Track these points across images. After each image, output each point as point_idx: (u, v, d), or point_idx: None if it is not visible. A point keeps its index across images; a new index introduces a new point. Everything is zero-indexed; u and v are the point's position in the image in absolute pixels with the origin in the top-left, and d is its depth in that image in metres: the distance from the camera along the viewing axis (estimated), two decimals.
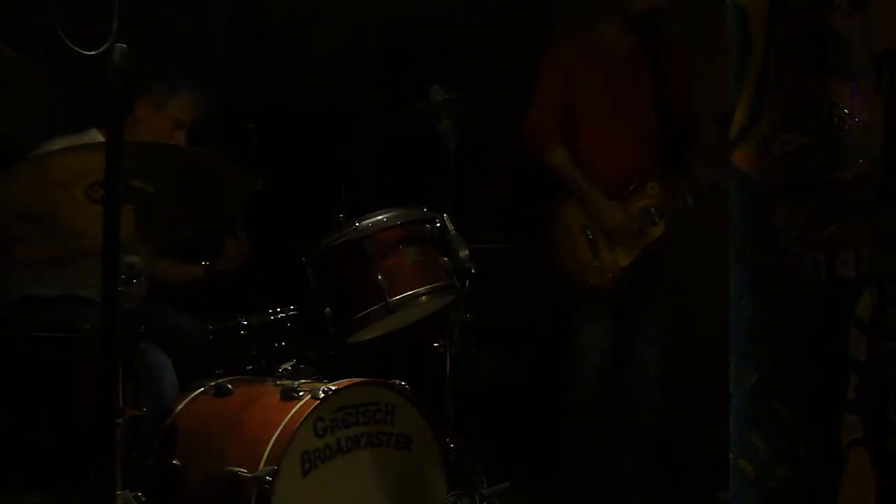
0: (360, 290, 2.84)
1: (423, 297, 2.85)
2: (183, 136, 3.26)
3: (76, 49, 1.77)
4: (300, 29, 5.16)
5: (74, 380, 2.40)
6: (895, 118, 2.41)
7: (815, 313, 1.80)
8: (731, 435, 1.88)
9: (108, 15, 1.74)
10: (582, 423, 3.69)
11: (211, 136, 3.39)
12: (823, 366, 1.80)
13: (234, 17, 4.95)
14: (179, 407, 2.88)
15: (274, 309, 3.09)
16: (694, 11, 3.84)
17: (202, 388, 2.91)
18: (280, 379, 2.89)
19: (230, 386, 2.89)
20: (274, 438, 2.59)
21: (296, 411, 2.63)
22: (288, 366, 2.96)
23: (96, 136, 3.08)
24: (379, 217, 2.88)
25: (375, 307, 2.81)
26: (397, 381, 2.84)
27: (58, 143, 2.90)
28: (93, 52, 1.77)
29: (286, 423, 2.61)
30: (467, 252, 2.87)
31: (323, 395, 2.66)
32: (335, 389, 2.69)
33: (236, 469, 2.57)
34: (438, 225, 2.92)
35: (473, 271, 2.87)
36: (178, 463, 2.75)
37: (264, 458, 2.56)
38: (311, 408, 2.62)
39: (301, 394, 2.70)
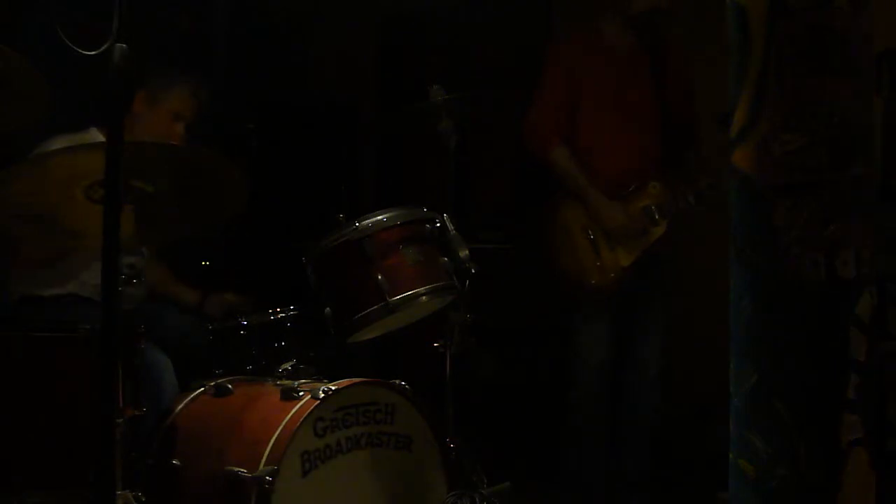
0: (360, 290, 2.83)
1: (423, 297, 2.85)
2: (182, 128, 3.25)
3: (76, 49, 1.77)
4: (300, 29, 5.16)
5: (74, 380, 2.40)
6: (895, 118, 2.41)
7: (815, 313, 1.80)
8: (731, 435, 1.88)
9: (108, 15, 1.75)
10: (582, 423, 3.69)
11: (211, 136, 3.39)
12: (823, 366, 1.80)
13: (234, 17, 4.95)
14: (179, 407, 2.88)
15: (274, 309, 3.09)
16: (694, 11, 3.84)
17: (202, 388, 2.91)
18: (280, 379, 2.89)
19: (230, 386, 2.89)
20: (274, 438, 2.59)
21: (296, 411, 2.63)
22: (288, 366, 2.96)
23: (96, 135, 3.08)
24: (379, 217, 2.87)
25: (375, 307, 2.81)
26: (397, 381, 2.84)
27: (58, 143, 2.90)
28: (93, 52, 1.77)
29: (286, 423, 2.61)
30: (467, 252, 2.86)
31: (323, 395, 2.66)
32: (335, 389, 2.69)
33: (236, 469, 2.57)
34: (438, 225, 2.92)
35: (473, 271, 2.87)
36: (178, 463, 2.75)
37: (264, 458, 2.56)
38: (311, 408, 2.62)
39: (301, 394, 2.70)
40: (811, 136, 1.80)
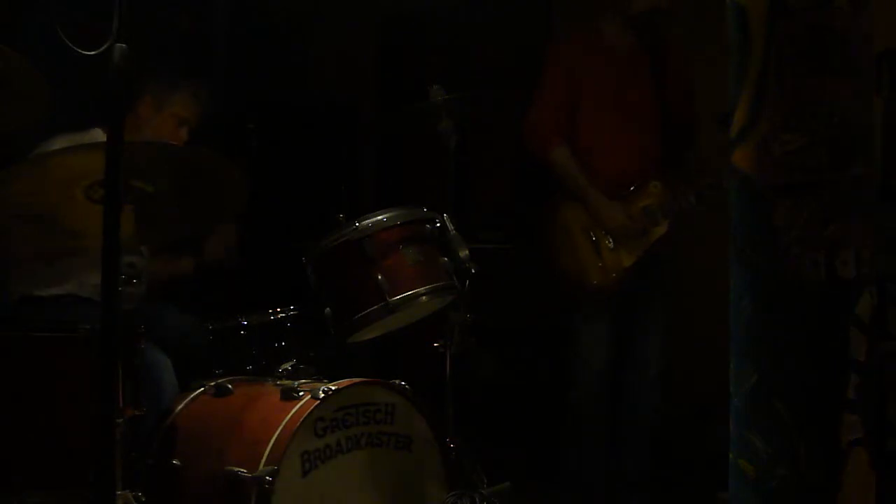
0: (360, 290, 2.83)
1: (423, 297, 2.85)
2: (186, 133, 3.27)
3: (76, 49, 1.77)
4: (300, 29, 5.16)
5: (74, 380, 2.40)
6: (895, 118, 2.40)
7: (815, 313, 1.80)
8: (731, 435, 1.88)
9: (108, 15, 1.75)
10: (582, 423, 3.69)
11: (211, 136, 3.39)
12: (823, 366, 1.79)
13: (234, 17, 4.95)
14: (179, 407, 2.88)
15: (274, 309, 3.09)
16: (694, 11, 3.84)
17: (202, 388, 2.91)
18: (280, 379, 2.89)
19: (230, 386, 2.89)
20: (274, 438, 2.59)
21: (296, 411, 2.63)
22: (288, 366, 2.96)
23: (99, 135, 3.08)
24: (379, 217, 2.87)
25: (375, 307, 2.81)
26: (397, 381, 2.84)
27: (60, 142, 2.90)
28: (93, 52, 1.77)
29: (286, 423, 2.61)
30: (467, 252, 2.86)
31: (323, 395, 2.66)
32: (335, 389, 2.69)
33: (236, 469, 2.57)
34: (438, 225, 2.92)
35: (473, 271, 2.87)
36: (178, 463, 2.75)
37: (264, 458, 2.56)
38: (311, 408, 2.62)
39: (301, 394, 2.70)
40: (811, 136, 1.79)
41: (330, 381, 2.79)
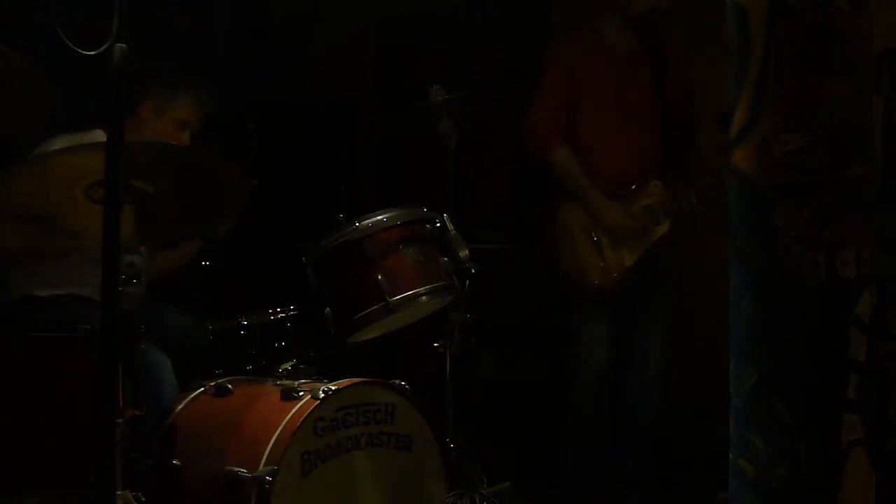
0: (360, 290, 2.84)
1: (423, 297, 2.85)
2: (188, 136, 3.28)
3: (76, 49, 1.77)
4: (300, 29, 5.16)
5: (74, 380, 2.40)
6: (895, 118, 2.40)
7: (815, 313, 1.80)
8: (731, 435, 1.88)
9: (108, 15, 1.75)
10: (582, 423, 3.69)
11: (211, 136, 3.40)
12: (823, 366, 1.79)
13: (234, 17, 4.95)
14: (179, 407, 2.88)
15: (274, 309, 3.09)
16: (694, 11, 3.84)
17: (202, 388, 2.91)
18: (280, 379, 2.89)
19: (230, 386, 2.89)
20: (274, 438, 2.59)
21: (296, 411, 2.63)
22: (288, 366, 2.96)
23: (100, 136, 3.08)
24: (379, 217, 2.88)
25: (375, 307, 2.81)
26: (397, 381, 2.84)
27: (61, 142, 2.91)
28: (93, 52, 1.77)
29: (286, 423, 2.61)
30: (467, 252, 2.87)
31: (323, 395, 2.66)
32: (335, 389, 2.69)
33: (236, 469, 2.57)
34: (438, 225, 2.92)
35: (473, 271, 2.87)
36: (178, 463, 2.75)
37: (264, 458, 2.56)
38: (311, 408, 2.62)
39: (301, 394, 2.70)
40: (811, 136, 1.80)
41: (330, 381, 2.79)
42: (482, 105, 3.27)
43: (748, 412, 1.84)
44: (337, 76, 5.25)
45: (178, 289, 3.52)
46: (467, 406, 2.93)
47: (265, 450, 2.57)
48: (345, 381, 2.77)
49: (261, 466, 2.54)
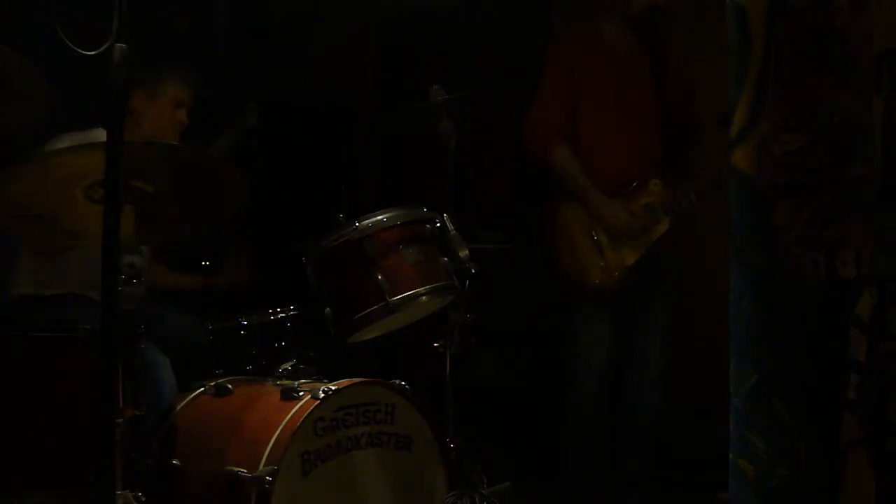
0: (360, 290, 2.83)
1: (423, 297, 2.85)
2: (185, 114, 3.29)
3: (76, 49, 1.77)
4: (300, 29, 5.16)
5: (74, 380, 2.40)
6: (895, 118, 2.41)
7: (815, 313, 1.80)
8: (731, 435, 1.88)
9: (108, 15, 1.75)
10: (582, 423, 3.68)
11: (211, 136, 3.40)
12: (823, 366, 1.80)
13: (234, 17, 4.95)
14: (179, 407, 2.88)
15: (274, 309, 3.09)
16: (694, 11, 3.84)
17: (202, 388, 2.91)
18: (280, 379, 2.89)
19: (230, 386, 2.89)
20: (274, 438, 2.59)
21: (296, 411, 2.63)
22: (288, 366, 2.96)
23: (102, 135, 3.08)
24: (379, 217, 2.88)
25: (375, 307, 2.81)
26: (397, 381, 2.84)
27: (62, 142, 2.91)
28: (93, 52, 1.77)
29: (286, 423, 2.61)
30: (467, 252, 2.86)
31: (323, 395, 2.65)
32: (335, 389, 2.69)
33: (236, 469, 2.57)
34: (438, 225, 2.92)
35: (473, 271, 2.87)
36: (178, 463, 2.75)
37: (264, 458, 2.55)
38: (312, 408, 2.62)
39: (301, 394, 2.70)
40: (811, 136, 1.80)
41: (330, 381, 2.79)
42: (482, 105, 3.27)
43: (748, 412, 1.84)
44: (337, 76, 5.25)
45: (178, 289, 3.52)
46: (467, 406, 2.93)
47: (265, 450, 2.57)
48: (345, 381, 2.77)
49: (261, 466, 2.54)
